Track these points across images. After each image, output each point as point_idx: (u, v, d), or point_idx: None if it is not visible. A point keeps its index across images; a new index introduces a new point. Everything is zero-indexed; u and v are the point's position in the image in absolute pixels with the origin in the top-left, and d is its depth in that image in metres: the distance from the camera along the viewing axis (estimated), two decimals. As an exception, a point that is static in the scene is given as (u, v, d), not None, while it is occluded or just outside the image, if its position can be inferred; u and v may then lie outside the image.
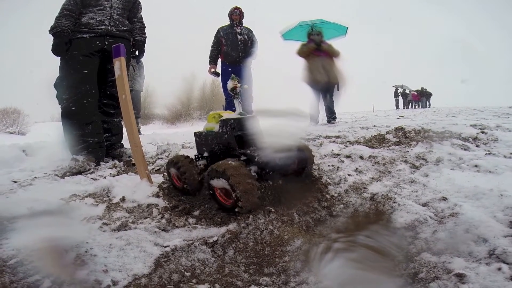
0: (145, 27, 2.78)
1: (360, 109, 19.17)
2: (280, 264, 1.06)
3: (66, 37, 2.29)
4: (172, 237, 1.19)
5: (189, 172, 1.56)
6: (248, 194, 1.27)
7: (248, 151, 1.46)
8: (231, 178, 1.27)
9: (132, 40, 2.68)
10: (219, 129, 1.57)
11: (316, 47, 4.70)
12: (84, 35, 2.37)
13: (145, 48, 2.79)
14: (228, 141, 1.53)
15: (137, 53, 2.76)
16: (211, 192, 1.40)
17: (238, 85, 1.63)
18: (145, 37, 2.76)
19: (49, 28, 2.29)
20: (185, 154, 1.70)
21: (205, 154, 1.70)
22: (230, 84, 1.63)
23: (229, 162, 1.35)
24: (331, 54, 4.75)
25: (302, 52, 4.81)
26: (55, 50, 2.30)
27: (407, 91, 21.11)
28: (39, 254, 1.00)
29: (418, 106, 20.89)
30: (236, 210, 1.29)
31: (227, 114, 1.62)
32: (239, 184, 1.26)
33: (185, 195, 1.62)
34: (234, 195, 1.27)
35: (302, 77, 4.82)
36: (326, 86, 4.74)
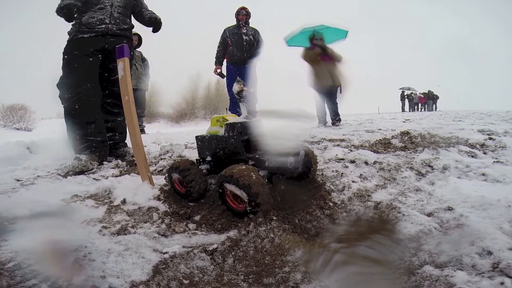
0: (153, 12, 2.80)
1: (365, 111, 19.08)
2: (279, 274, 1.04)
3: (73, 8, 2.29)
4: (172, 243, 1.18)
5: (194, 178, 1.54)
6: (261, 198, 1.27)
7: (256, 156, 1.45)
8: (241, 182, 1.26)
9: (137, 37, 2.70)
10: (224, 133, 1.55)
11: (323, 52, 4.77)
12: (85, 35, 2.37)
13: (161, 24, 2.80)
14: (235, 145, 1.51)
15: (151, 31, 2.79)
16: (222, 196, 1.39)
17: (245, 88, 1.61)
18: (156, 15, 2.77)
19: (56, 8, 2.29)
20: (188, 159, 1.67)
21: (208, 158, 1.66)
22: (236, 88, 1.61)
23: (240, 167, 1.34)
24: (334, 58, 4.84)
25: (307, 57, 4.88)
26: (66, 15, 2.31)
27: (414, 93, 20.91)
28: (38, 257, 0.99)
29: (425, 109, 20.68)
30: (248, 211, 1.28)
31: (233, 118, 1.60)
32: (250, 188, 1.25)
33: (188, 201, 1.59)
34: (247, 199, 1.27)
35: (309, 82, 4.92)
36: (330, 90, 4.88)
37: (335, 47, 4.99)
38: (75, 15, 2.35)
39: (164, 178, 1.82)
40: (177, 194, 1.63)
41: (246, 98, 1.63)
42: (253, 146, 1.50)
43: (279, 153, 1.42)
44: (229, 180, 1.30)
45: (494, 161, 1.94)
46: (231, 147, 1.53)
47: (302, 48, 5.01)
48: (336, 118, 4.93)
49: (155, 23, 2.76)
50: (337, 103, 4.96)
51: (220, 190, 1.37)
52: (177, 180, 1.61)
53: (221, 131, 1.58)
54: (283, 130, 1.39)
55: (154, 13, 2.79)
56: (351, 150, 2.34)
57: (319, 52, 4.78)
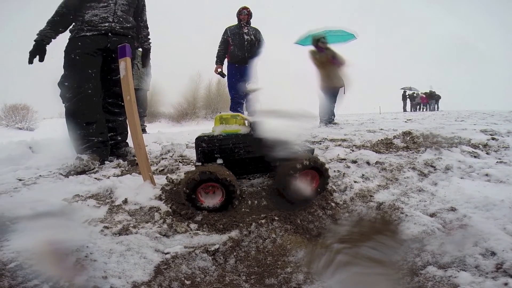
0: (149, 33, 2.83)
1: (367, 110, 19.07)
2: (282, 275, 1.04)
3: (43, 47, 2.24)
4: (173, 243, 1.17)
5: (236, 183, 1.41)
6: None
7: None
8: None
9: (137, 40, 2.70)
10: (250, 132, 1.51)
11: (333, 56, 4.90)
12: (88, 33, 2.34)
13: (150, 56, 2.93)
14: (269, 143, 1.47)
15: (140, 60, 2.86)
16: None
17: (259, 88, 1.61)
18: (151, 44, 2.85)
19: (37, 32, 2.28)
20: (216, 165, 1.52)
21: (219, 161, 1.54)
22: (252, 86, 1.61)
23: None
24: (339, 61, 4.97)
25: (317, 60, 4.97)
26: (30, 54, 2.23)
27: (416, 93, 20.86)
28: (39, 257, 0.99)
29: (426, 109, 20.63)
30: None
31: (251, 117, 1.58)
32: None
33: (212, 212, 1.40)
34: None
35: (320, 84, 5.06)
36: (336, 91, 5.08)
37: (338, 49, 5.10)
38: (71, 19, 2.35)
39: (166, 178, 1.81)
40: (196, 208, 1.42)
41: (258, 98, 1.63)
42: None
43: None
44: (321, 169, 1.44)
45: (497, 162, 1.93)
46: (262, 145, 1.48)
47: (310, 51, 5.08)
48: (333, 118, 5.16)
49: (146, 54, 2.88)
50: (335, 104, 5.15)
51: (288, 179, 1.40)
52: (202, 191, 1.44)
53: (242, 130, 1.55)
54: (288, 129, 1.39)
55: (148, 37, 2.81)
56: (352, 150, 2.33)
57: (330, 54, 4.89)
